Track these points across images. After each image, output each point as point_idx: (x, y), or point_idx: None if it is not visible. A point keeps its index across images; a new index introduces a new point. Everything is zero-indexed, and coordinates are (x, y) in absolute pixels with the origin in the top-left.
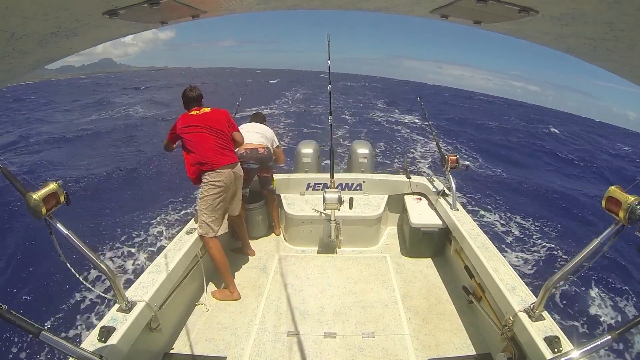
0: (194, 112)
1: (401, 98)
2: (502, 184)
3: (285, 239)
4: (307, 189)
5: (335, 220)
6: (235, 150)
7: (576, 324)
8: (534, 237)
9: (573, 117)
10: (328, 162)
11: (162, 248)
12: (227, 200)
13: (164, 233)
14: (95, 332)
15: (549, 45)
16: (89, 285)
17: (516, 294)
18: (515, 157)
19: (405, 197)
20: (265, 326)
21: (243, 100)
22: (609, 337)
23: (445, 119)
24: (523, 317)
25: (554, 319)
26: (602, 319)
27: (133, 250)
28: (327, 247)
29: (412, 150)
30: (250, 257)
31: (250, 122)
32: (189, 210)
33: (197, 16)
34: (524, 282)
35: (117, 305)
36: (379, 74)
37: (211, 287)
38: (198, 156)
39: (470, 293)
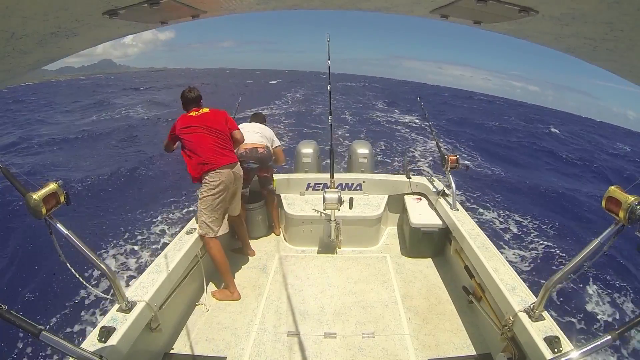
0: (193, 113)
1: (401, 98)
2: (501, 182)
3: (285, 239)
4: (307, 189)
5: (335, 220)
6: (235, 149)
7: (573, 320)
8: (532, 234)
9: (573, 116)
10: (328, 162)
11: (165, 245)
12: (227, 201)
13: (167, 231)
14: (95, 332)
15: (549, 45)
16: (89, 286)
17: (516, 294)
18: (514, 156)
19: (405, 197)
20: (265, 326)
21: (243, 100)
22: (609, 337)
23: (445, 119)
24: (523, 317)
25: (551, 315)
26: (599, 316)
27: (136, 248)
28: (327, 247)
29: (412, 150)
30: (250, 257)
31: (250, 122)
32: (191, 208)
33: (197, 16)
34: (521, 279)
35: (117, 305)
36: (378, 74)
37: (211, 287)
38: (198, 156)
39: (470, 293)
